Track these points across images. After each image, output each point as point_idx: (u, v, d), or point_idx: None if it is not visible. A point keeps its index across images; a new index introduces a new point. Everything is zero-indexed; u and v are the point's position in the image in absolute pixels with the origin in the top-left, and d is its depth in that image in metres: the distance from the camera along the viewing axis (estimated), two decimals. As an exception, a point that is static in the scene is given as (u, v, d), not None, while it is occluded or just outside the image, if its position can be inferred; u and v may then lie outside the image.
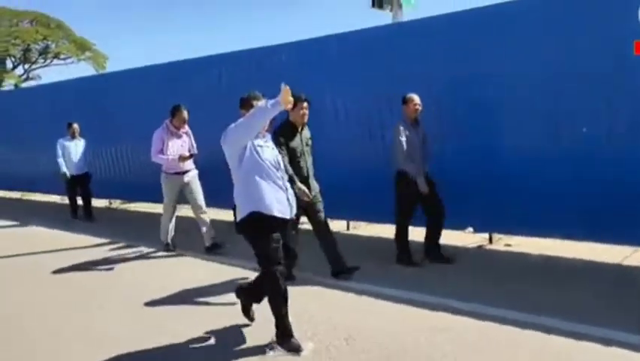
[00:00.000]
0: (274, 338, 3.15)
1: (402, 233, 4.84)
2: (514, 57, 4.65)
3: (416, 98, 4.74)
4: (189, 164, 5.73)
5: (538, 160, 4.60)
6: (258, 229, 3.15)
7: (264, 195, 3.14)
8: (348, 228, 6.49)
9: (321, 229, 4.38)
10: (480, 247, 5.37)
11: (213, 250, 5.54)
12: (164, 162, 5.60)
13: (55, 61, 30.79)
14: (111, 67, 31.71)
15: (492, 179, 4.85)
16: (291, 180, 3.79)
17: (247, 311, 3.52)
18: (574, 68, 4.33)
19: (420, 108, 4.74)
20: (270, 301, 3.18)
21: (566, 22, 4.37)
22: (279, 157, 3.34)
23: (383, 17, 7.71)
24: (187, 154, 5.61)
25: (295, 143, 4.23)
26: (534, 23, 4.55)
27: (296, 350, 3.09)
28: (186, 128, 5.80)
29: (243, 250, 4.07)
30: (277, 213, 3.14)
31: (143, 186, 7.46)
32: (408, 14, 7.68)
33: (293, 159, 4.16)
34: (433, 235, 4.87)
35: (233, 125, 3.17)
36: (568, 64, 4.36)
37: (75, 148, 7.93)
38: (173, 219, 5.82)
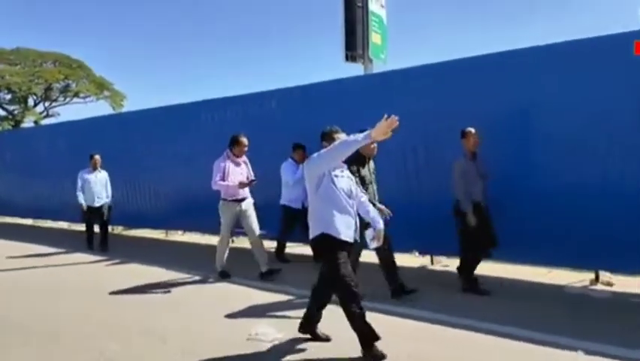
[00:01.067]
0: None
1: (466, 265, 5.04)
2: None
3: (474, 132, 4.96)
4: (246, 192, 5.93)
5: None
6: (327, 248, 3.46)
7: (334, 220, 3.44)
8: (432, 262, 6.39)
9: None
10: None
11: (268, 277, 5.68)
12: (225, 188, 5.76)
13: (75, 99, 31.68)
14: (130, 105, 32.72)
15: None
16: (371, 203, 4.11)
17: (317, 336, 3.73)
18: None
19: (478, 141, 4.95)
20: (346, 313, 3.36)
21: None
22: (353, 186, 3.63)
23: (356, 69, 8.33)
24: (246, 181, 5.83)
25: (364, 172, 4.59)
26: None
27: (381, 357, 3.29)
28: (244, 157, 6.01)
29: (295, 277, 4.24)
30: (344, 238, 3.45)
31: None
32: (378, 67, 8.33)
33: (363, 185, 4.43)
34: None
35: (316, 154, 3.46)
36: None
37: (95, 179, 8.07)
38: (228, 248, 5.98)
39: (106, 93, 32.17)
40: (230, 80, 55.15)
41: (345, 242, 3.47)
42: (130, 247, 8.39)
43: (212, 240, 7.51)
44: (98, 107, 39.12)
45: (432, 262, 6.32)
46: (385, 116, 3.13)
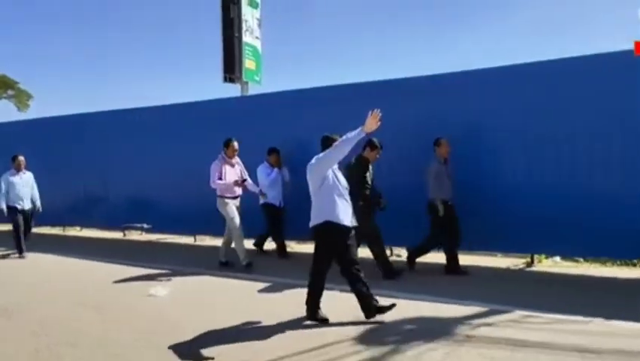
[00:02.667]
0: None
1: (421, 251, 5.84)
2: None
3: (445, 141, 5.60)
4: (239, 190, 6.39)
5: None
6: (329, 233, 4.00)
7: (337, 209, 3.98)
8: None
9: None
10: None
11: (250, 268, 6.09)
12: (222, 186, 6.19)
13: (-25, 98, 30.31)
14: (36, 107, 31.72)
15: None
16: (380, 196, 5.43)
17: (317, 317, 4.06)
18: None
19: (449, 149, 5.60)
20: (350, 280, 3.99)
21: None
22: (345, 182, 4.18)
23: (234, 90, 10.06)
24: (240, 180, 6.31)
25: (368, 174, 5.50)
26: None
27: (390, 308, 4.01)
28: (237, 158, 6.45)
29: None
30: (345, 222, 4.01)
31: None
32: (253, 88, 10.03)
33: (369, 183, 5.44)
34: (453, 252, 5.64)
35: (321, 154, 4.01)
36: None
37: (20, 181, 7.72)
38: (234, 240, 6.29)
39: (10, 92, 31.14)
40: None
41: (346, 227, 4.01)
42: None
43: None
44: (1, 107, 37.48)
45: (391, 253, 6.77)
46: (370, 111, 3.78)
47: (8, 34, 47.67)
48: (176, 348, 3.48)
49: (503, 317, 3.98)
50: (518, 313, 4.03)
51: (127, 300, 4.84)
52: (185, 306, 4.62)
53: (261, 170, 6.87)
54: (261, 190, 6.56)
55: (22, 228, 7.55)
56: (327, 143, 4.08)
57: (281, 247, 7.03)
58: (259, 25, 9.88)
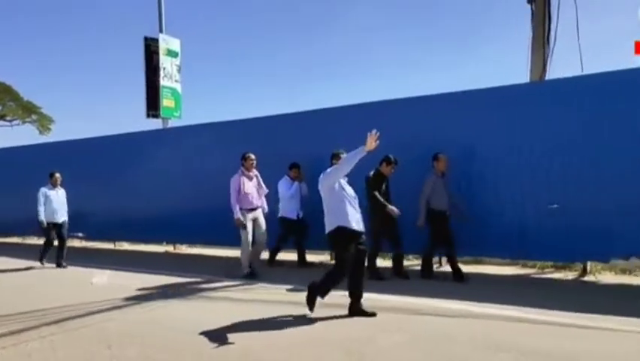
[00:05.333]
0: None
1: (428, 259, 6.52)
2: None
3: (444, 157, 6.36)
4: (258, 201, 6.94)
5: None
6: (342, 237, 4.54)
7: (347, 216, 4.53)
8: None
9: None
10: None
11: (253, 277, 6.64)
12: (238, 204, 6.67)
13: (1, 122, 33.65)
14: (58, 131, 34.70)
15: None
16: (385, 205, 6.18)
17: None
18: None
19: (447, 164, 6.38)
20: (331, 281, 4.57)
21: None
22: (353, 191, 4.74)
23: (156, 123, 12.20)
24: (256, 191, 6.95)
25: (383, 187, 6.38)
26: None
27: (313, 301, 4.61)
28: (255, 171, 6.96)
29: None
30: (355, 227, 4.57)
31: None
32: (174, 122, 12.18)
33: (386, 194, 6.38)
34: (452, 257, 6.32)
35: (329, 169, 4.63)
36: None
37: (57, 197, 8.35)
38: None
39: (33, 117, 34.29)
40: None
41: (356, 231, 4.56)
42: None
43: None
44: (24, 131, 40.49)
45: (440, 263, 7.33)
46: (369, 133, 4.28)
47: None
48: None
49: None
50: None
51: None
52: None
53: (282, 183, 7.53)
54: (264, 209, 7.07)
55: (53, 243, 8.18)
56: (335, 157, 4.81)
57: (301, 256, 7.60)
58: (179, 71, 11.97)
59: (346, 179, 4.73)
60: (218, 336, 4.15)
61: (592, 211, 6.15)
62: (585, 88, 6.25)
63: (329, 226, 4.60)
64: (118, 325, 4.70)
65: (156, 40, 11.71)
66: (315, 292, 4.64)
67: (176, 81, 11.98)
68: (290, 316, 4.75)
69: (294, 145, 8.18)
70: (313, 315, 4.64)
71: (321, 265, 7.70)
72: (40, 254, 8.26)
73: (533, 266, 7.15)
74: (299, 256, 7.65)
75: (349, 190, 4.70)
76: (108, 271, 7.56)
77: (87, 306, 5.35)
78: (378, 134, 4.31)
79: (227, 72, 59.44)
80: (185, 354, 3.79)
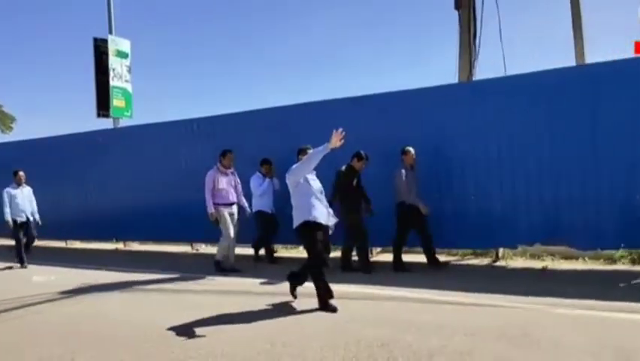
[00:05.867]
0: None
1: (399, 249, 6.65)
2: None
3: (412, 150, 6.58)
4: (234, 197, 7.07)
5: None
6: (309, 230, 4.66)
7: (312, 210, 4.67)
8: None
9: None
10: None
11: (231, 272, 6.84)
12: (213, 195, 6.80)
13: (-41, 120, 32.75)
14: (20, 129, 34.04)
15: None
16: (369, 202, 6.57)
17: (293, 291, 4.99)
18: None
19: (415, 158, 6.59)
20: (313, 276, 4.70)
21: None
22: (320, 186, 4.90)
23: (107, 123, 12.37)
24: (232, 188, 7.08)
25: (356, 180, 6.56)
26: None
27: (333, 310, 4.56)
28: (232, 168, 7.14)
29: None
30: (321, 220, 4.72)
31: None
32: (124, 121, 12.35)
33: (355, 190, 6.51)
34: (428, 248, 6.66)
35: (295, 165, 4.73)
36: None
37: (22, 195, 8.43)
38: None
39: (-6, 116, 33.56)
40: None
41: (321, 224, 4.70)
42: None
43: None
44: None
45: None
46: (334, 130, 4.39)
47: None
48: None
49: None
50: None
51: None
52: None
53: (254, 179, 7.57)
54: (246, 209, 7.32)
55: (22, 241, 8.27)
56: (302, 153, 4.95)
57: (270, 253, 7.76)
58: (129, 71, 12.14)
59: (314, 173, 4.86)
60: (150, 328, 4.51)
61: (502, 203, 6.75)
62: (504, 88, 6.80)
63: (296, 221, 4.74)
64: (46, 317, 5.02)
65: (105, 42, 11.83)
66: (293, 280, 4.96)
67: (126, 81, 12.13)
68: (249, 309, 4.89)
69: (248, 142, 8.33)
70: (270, 308, 4.89)
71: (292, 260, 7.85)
72: (17, 256, 8.27)
73: (456, 254, 7.69)
74: (267, 252, 7.81)
75: (316, 185, 4.84)
76: (52, 268, 7.85)
77: (21, 300, 5.61)
78: (343, 133, 4.43)
79: (199, 72, 58.89)
80: (110, 347, 4.11)
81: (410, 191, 6.48)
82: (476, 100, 6.92)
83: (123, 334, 4.29)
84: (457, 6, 8.96)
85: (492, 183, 6.81)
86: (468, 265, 7.14)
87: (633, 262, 6.44)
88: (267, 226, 7.56)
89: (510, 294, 5.08)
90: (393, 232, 6.71)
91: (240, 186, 7.27)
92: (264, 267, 7.45)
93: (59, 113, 47.63)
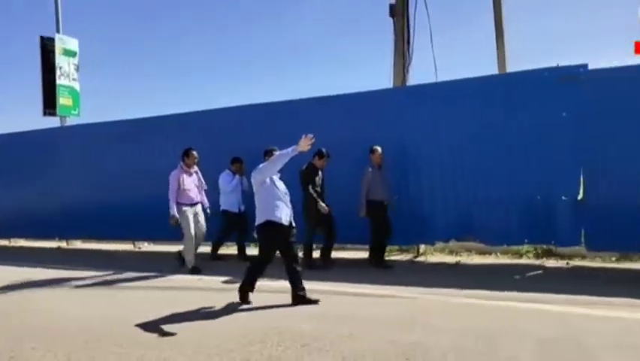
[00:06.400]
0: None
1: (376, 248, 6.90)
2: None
3: (380, 149, 6.75)
4: (198, 197, 6.98)
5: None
6: (270, 230, 4.76)
7: (276, 210, 4.73)
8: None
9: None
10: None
11: (196, 271, 6.74)
12: (177, 195, 6.66)
13: None
14: None
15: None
16: (317, 200, 6.48)
17: (245, 298, 4.88)
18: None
19: (382, 156, 6.74)
20: (251, 272, 4.86)
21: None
22: (285, 187, 4.93)
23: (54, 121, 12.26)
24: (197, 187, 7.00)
25: (317, 179, 6.68)
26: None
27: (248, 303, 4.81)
28: (195, 167, 7.01)
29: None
30: (284, 222, 4.77)
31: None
32: (72, 119, 12.30)
33: (316, 187, 6.61)
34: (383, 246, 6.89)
35: (261, 165, 4.81)
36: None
37: None
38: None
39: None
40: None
41: (284, 226, 4.76)
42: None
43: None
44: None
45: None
46: (304, 135, 4.48)
47: None
48: None
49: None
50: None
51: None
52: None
53: (223, 177, 7.54)
54: (208, 208, 7.22)
55: None
56: (268, 154, 5.02)
57: (216, 249, 7.78)
58: (77, 70, 12.14)
59: (278, 175, 4.95)
60: (88, 324, 4.73)
61: (422, 202, 7.20)
62: (431, 93, 7.29)
63: (258, 219, 4.81)
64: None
65: (53, 40, 11.80)
66: (245, 287, 4.91)
67: (74, 80, 12.13)
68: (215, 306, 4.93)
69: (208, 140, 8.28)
70: (253, 305, 4.88)
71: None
72: None
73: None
74: (239, 250, 7.84)
75: (281, 186, 4.92)
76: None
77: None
78: (313, 139, 4.54)
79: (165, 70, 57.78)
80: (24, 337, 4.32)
81: (370, 189, 6.64)
82: (411, 103, 7.34)
83: (54, 326, 4.50)
84: (392, 14, 9.41)
85: (416, 184, 7.28)
86: (394, 261, 7.55)
87: (537, 256, 7.02)
88: (230, 227, 7.62)
89: (418, 286, 5.50)
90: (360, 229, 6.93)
91: (204, 184, 7.20)
92: (227, 265, 7.41)
93: (3, 111, 46.18)
